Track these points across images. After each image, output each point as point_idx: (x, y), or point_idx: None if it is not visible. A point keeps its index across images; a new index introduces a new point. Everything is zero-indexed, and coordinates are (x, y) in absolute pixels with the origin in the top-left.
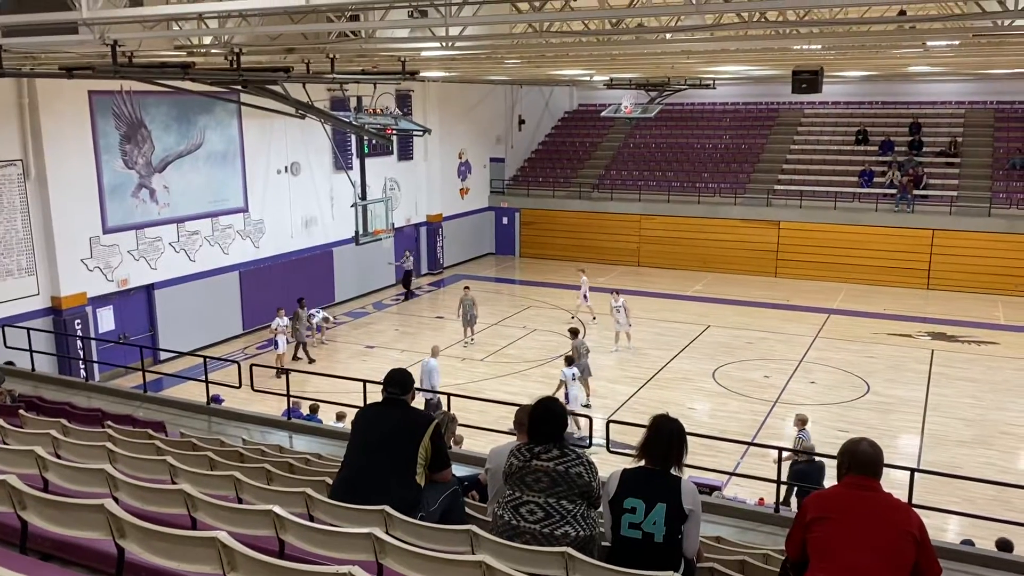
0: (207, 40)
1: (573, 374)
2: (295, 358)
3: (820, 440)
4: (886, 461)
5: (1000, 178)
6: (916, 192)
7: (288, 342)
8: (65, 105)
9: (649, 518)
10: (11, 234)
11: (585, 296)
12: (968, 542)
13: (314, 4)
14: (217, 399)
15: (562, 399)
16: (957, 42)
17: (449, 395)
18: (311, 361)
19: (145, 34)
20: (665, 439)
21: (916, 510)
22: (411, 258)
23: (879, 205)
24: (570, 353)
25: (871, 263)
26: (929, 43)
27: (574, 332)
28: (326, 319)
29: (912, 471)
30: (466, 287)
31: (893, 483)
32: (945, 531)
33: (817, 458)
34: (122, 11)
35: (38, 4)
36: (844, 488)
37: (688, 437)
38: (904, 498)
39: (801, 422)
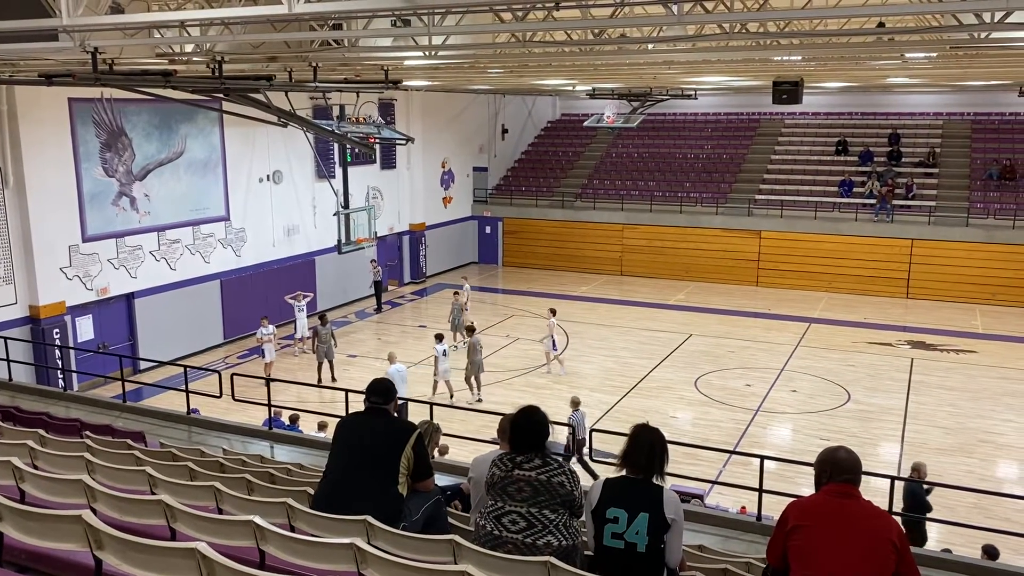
0: (189, 48)
1: (443, 350)
2: (332, 378)
3: (802, 449)
4: (866, 469)
5: (977, 188)
6: (901, 201)
7: (276, 351)
8: (44, 112)
9: (632, 528)
10: None
11: (465, 307)
12: (946, 551)
13: (296, 12)
14: (194, 412)
15: (440, 374)
16: (935, 54)
17: (432, 404)
18: (333, 380)
19: (126, 41)
20: (645, 449)
21: (897, 518)
22: (379, 269)
23: (859, 215)
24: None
25: (851, 272)
26: (907, 55)
27: (470, 330)
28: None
29: (892, 479)
30: (455, 292)
31: (874, 491)
32: (926, 539)
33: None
34: (103, 18)
35: (17, 11)
36: (824, 496)
37: (670, 446)
38: (884, 506)
39: (574, 404)
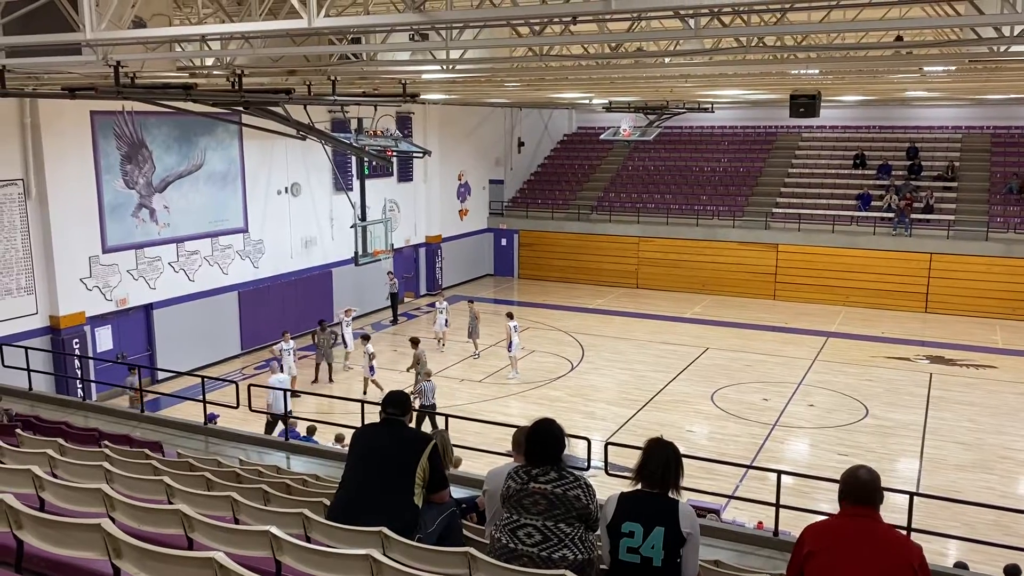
0: (209, 61)
1: (371, 352)
2: (330, 379)
3: (820, 464)
4: (885, 484)
5: (997, 202)
6: (919, 215)
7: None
8: (67, 125)
9: (647, 542)
10: (10, 253)
11: (446, 322)
12: (961, 564)
13: (316, 27)
14: (212, 417)
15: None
16: (953, 67)
17: (447, 416)
18: (331, 381)
19: (148, 55)
20: (660, 463)
21: (916, 534)
22: (396, 281)
23: (877, 228)
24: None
25: (869, 286)
26: (926, 68)
27: (414, 341)
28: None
29: (911, 495)
30: (470, 302)
31: (892, 507)
32: (945, 556)
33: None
34: (125, 32)
35: (42, 25)
36: (843, 519)
37: (686, 460)
38: (903, 522)
39: (428, 375)
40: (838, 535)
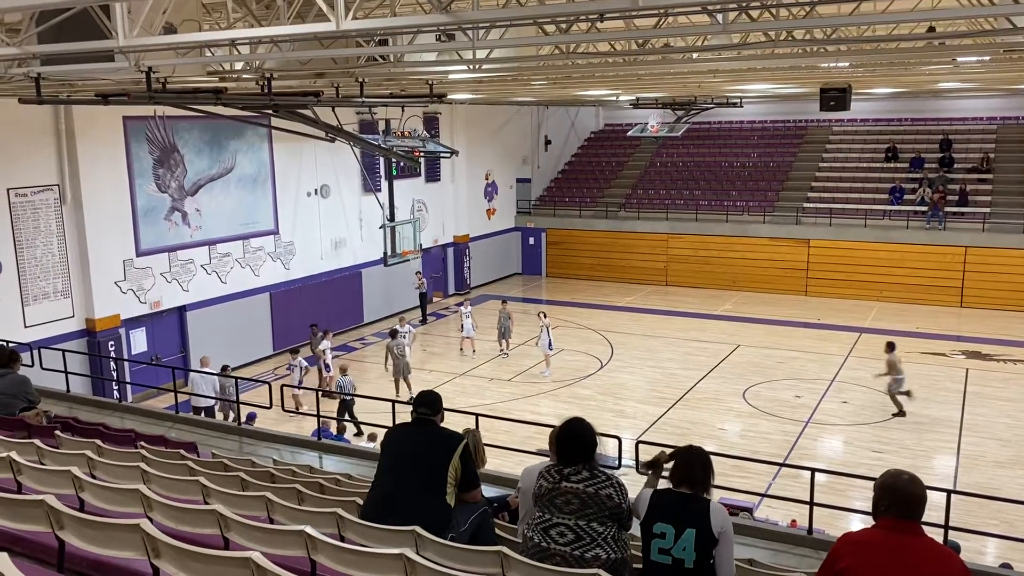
0: (239, 65)
1: (304, 365)
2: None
3: (854, 461)
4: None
5: None
6: (953, 208)
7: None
8: (100, 131)
9: (679, 544)
10: (47, 257)
11: (474, 326)
12: (1007, 565)
13: (344, 29)
14: (252, 417)
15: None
16: (987, 58)
17: (477, 415)
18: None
19: (179, 60)
20: (688, 468)
21: (954, 532)
22: (424, 281)
23: (910, 222)
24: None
25: (903, 281)
26: (959, 59)
27: (393, 333)
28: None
29: (948, 493)
30: (504, 302)
31: (929, 505)
32: (984, 554)
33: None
34: (157, 39)
35: (76, 33)
36: (880, 532)
37: (718, 459)
38: (940, 520)
39: (342, 370)
40: (879, 552)
